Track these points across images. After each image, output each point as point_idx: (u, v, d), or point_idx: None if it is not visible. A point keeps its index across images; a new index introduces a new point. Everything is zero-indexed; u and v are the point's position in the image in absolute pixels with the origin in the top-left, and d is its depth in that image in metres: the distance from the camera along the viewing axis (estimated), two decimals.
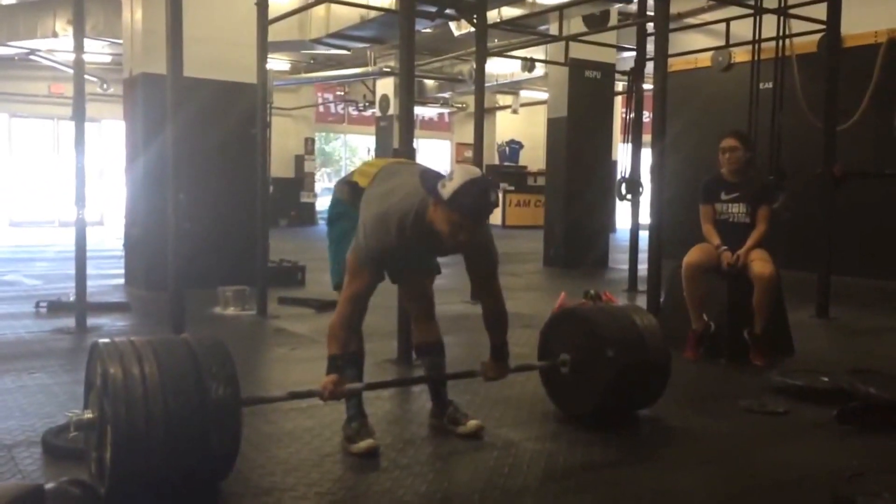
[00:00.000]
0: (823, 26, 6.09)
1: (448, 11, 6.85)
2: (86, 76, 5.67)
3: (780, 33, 6.61)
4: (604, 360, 3.05)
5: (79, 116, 5.08)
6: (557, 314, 3.38)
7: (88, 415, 2.34)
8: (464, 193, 2.44)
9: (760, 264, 4.24)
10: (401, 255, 2.70)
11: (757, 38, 6.66)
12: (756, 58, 6.72)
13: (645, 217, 5.65)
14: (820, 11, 6.07)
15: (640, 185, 7.42)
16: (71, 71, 5.56)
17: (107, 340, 2.37)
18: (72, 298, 5.38)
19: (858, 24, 7.30)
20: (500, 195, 17.83)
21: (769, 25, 6.65)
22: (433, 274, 3.07)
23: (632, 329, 3.18)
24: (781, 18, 6.59)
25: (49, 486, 2.22)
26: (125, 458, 2.17)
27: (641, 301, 4.75)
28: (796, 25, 6.67)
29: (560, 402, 3.32)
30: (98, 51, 12.59)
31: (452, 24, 9.77)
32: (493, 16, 8.21)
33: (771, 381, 3.72)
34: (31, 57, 13.90)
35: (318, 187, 19.58)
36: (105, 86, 15.14)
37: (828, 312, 5.85)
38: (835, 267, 5.98)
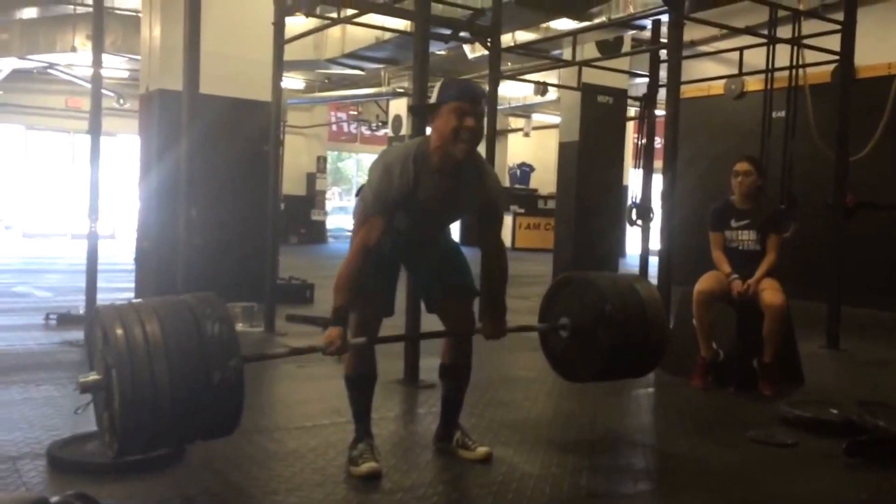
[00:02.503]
0: (837, 57, 6.10)
1: (462, 34, 6.89)
2: (103, 91, 5.73)
3: (794, 63, 6.62)
4: (603, 323, 3.04)
5: (95, 130, 5.13)
6: (559, 280, 3.38)
7: (94, 376, 2.36)
8: (447, 86, 2.65)
9: (771, 294, 4.22)
10: (417, 219, 2.70)
11: (770, 67, 6.67)
12: (769, 87, 6.73)
13: (655, 243, 5.65)
14: (833, 42, 6.09)
15: (650, 210, 7.42)
16: (88, 85, 5.62)
17: (107, 304, 2.41)
18: (81, 311, 5.40)
19: (872, 56, 7.31)
20: (511, 218, 17.88)
21: (782, 55, 6.67)
22: (471, 295, 2.97)
23: (631, 292, 3.17)
24: (795, 48, 6.61)
25: (54, 499, 2.22)
26: (133, 414, 2.20)
27: None
28: (810, 56, 6.69)
29: (561, 369, 3.31)
30: (116, 66, 12.73)
31: (467, 47, 9.84)
32: (507, 39, 8.26)
33: (780, 411, 3.69)
34: (50, 71, 14.06)
35: (328, 205, 19.65)
36: (121, 101, 15.29)
37: (838, 343, 5.80)
38: (845, 298, 5.94)
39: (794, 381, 4.51)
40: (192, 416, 2.28)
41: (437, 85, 2.70)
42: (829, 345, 5.79)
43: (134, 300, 2.43)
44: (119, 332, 2.24)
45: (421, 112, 2.72)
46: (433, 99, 2.68)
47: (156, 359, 2.22)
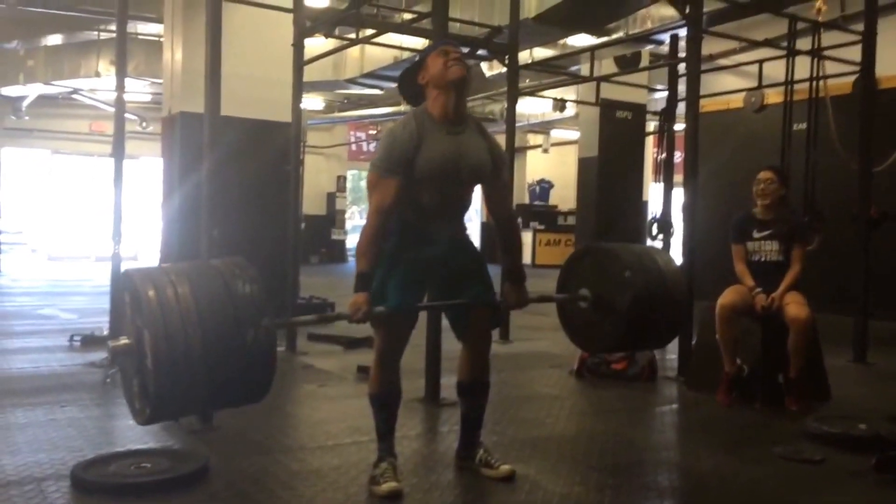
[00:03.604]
0: (858, 68, 6.05)
1: (480, 52, 6.92)
2: (126, 115, 5.81)
3: (814, 75, 6.58)
4: (623, 292, 3.04)
5: (118, 154, 5.21)
6: (577, 251, 3.39)
7: (125, 340, 2.35)
8: (427, 48, 2.92)
9: (796, 307, 4.17)
10: (436, 186, 2.73)
11: (790, 79, 6.63)
12: (789, 99, 6.68)
13: (676, 258, 5.60)
14: (854, 53, 6.04)
15: (671, 225, 7.36)
16: (112, 110, 5.70)
17: (138, 268, 2.43)
18: (105, 332, 5.45)
19: (894, 66, 7.23)
20: (531, 234, 17.82)
21: (803, 67, 6.62)
22: (493, 311, 2.96)
23: (651, 261, 3.20)
24: (815, 60, 6.57)
25: None
26: (166, 373, 2.19)
27: (673, 343, 4.70)
28: (830, 67, 6.63)
29: (580, 340, 3.32)
30: (139, 90, 12.92)
31: (484, 64, 9.88)
32: (524, 56, 8.30)
33: (807, 427, 3.63)
34: (74, 96, 14.30)
35: (349, 224, 19.72)
36: (144, 124, 15.50)
37: (865, 357, 5.72)
38: (872, 310, 5.85)
39: (821, 397, 4.44)
40: (224, 375, 2.25)
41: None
42: (857, 359, 5.71)
43: (163, 265, 2.42)
44: (151, 293, 2.24)
45: (410, 87, 2.84)
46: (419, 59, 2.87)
47: (187, 317, 2.21)
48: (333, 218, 18.82)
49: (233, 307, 2.30)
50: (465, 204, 2.92)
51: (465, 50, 6.70)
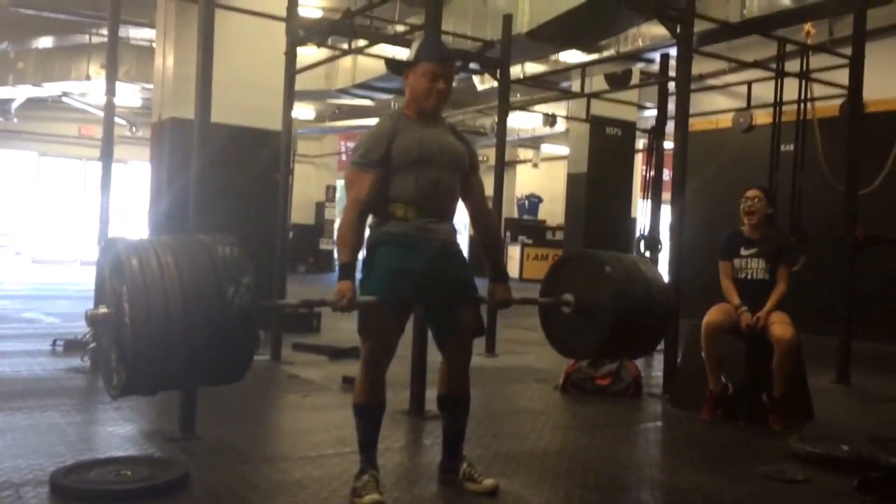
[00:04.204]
0: (845, 91, 6.12)
1: (472, 66, 6.95)
2: (115, 119, 5.79)
3: (802, 97, 6.65)
4: (605, 295, 3.05)
5: (106, 158, 5.19)
6: (561, 258, 3.39)
7: (104, 309, 2.33)
8: (422, 47, 2.89)
9: (781, 327, 4.19)
10: (418, 178, 2.76)
11: (778, 101, 6.69)
12: (777, 120, 6.75)
13: (663, 275, 5.62)
14: (842, 76, 6.11)
15: (659, 242, 7.40)
16: (101, 114, 5.68)
17: (123, 237, 2.46)
18: (88, 337, 5.40)
19: (881, 90, 7.31)
20: (519, 248, 17.85)
21: (791, 89, 6.69)
22: (477, 318, 2.93)
23: (635, 268, 3.23)
24: (803, 82, 6.64)
25: None
26: (144, 333, 2.17)
27: (659, 360, 4.73)
28: (818, 90, 6.71)
29: (560, 345, 3.33)
30: (129, 95, 12.88)
31: (476, 78, 9.92)
32: (516, 71, 8.33)
33: (790, 446, 3.64)
34: (64, 99, 14.24)
35: (336, 234, 19.69)
36: (134, 129, 15.45)
37: (849, 378, 5.75)
38: (856, 332, 5.89)
39: (805, 416, 4.46)
40: (203, 337, 2.24)
41: (414, 44, 2.96)
42: (840, 380, 5.74)
43: (149, 237, 2.43)
44: (133, 259, 2.25)
45: (398, 68, 2.92)
46: (410, 56, 2.90)
47: (167, 276, 2.22)
48: (322, 227, 18.79)
49: (213, 266, 2.33)
50: (451, 194, 2.89)
51: (457, 64, 6.74)
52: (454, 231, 2.94)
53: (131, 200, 15.74)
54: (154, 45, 7.91)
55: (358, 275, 2.78)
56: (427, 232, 2.81)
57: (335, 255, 18.98)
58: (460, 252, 2.96)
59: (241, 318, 2.31)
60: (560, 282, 3.28)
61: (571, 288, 3.19)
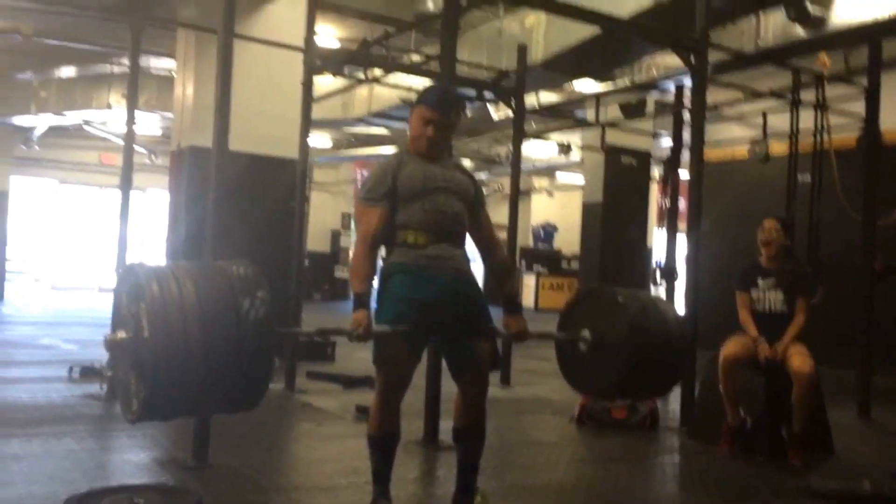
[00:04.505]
0: (862, 121, 6.10)
1: (487, 95, 7.00)
2: (135, 147, 5.87)
3: (818, 127, 6.63)
4: (623, 335, 3.01)
5: (126, 186, 5.25)
6: (579, 292, 3.35)
7: (122, 334, 2.35)
8: (426, 91, 2.98)
9: (799, 360, 4.14)
10: (424, 208, 2.79)
11: (794, 131, 6.68)
12: (794, 150, 6.73)
13: (679, 305, 5.59)
14: (858, 107, 6.09)
15: (674, 272, 7.37)
16: (122, 142, 5.75)
17: (141, 263, 2.48)
18: (104, 364, 5.42)
19: None
20: (534, 278, 17.80)
21: (807, 119, 6.68)
22: (493, 351, 2.92)
23: (652, 305, 3.19)
24: (819, 112, 6.63)
25: None
26: (163, 368, 2.19)
27: (676, 392, 4.68)
28: (835, 119, 6.69)
29: (575, 380, 3.28)
30: (149, 123, 13.05)
31: (491, 107, 9.98)
32: (531, 100, 8.38)
33: (810, 482, 3.57)
34: (85, 127, 14.44)
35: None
36: (153, 157, 15.62)
37: (869, 412, 5.65)
38: (876, 365, 5.81)
39: (824, 451, 4.39)
40: (221, 359, 2.26)
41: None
42: (860, 414, 5.65)
43: (169, 263, 2.48)
44: (154, 284, 2.30)
45: (409, 106, 3.03)
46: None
47: (186, 300, 2.27)
48: (337, 255, 18.85)
49: (228, 283, 2.38)
50: (458, 221, 2.89)
51: (472, 93, 6.79)
52: (467, 259, 2.93)
53: (149, 228, 15.89)
54: (174, 74, 8.03)
55: (373, 304, 2.78)
56: (439, 260, 2.80)
57: (350, 283, 19.10)
58: (474, 281, 2.95)
59: (257, 332, 2.33)
60: (577, 318, 3.25)
61: (588, 324, 3.16)
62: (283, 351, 5.88)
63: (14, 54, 11.01)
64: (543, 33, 7.18)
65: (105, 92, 11.55)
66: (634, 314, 3.06)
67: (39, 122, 13.37)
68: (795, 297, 4.37)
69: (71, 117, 12.92)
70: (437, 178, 2.85)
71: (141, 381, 2.26)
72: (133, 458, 3.67)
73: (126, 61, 7.67)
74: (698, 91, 5.07)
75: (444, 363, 3.11)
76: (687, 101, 6.83)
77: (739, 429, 4.28)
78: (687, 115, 6.69)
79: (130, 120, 5.52)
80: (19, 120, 13.18)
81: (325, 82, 7.33)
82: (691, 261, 5.05)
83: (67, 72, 11.83)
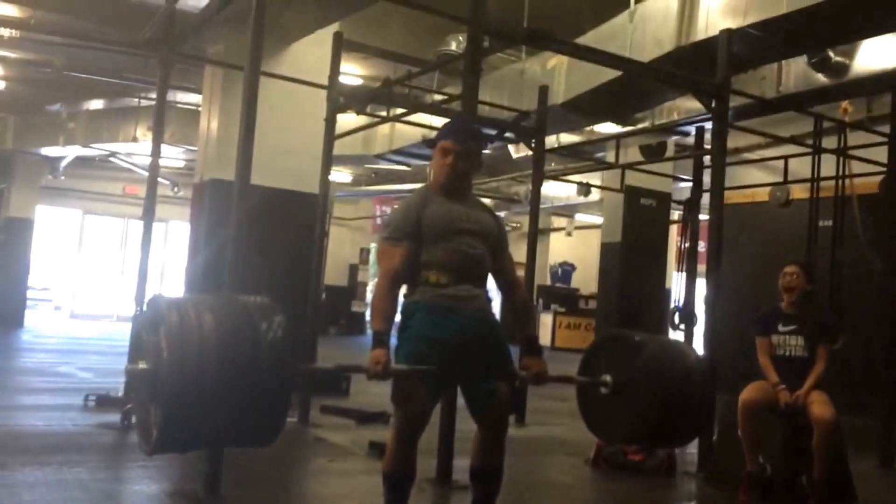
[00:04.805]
0: (884, 168, 6.07)
1: (508, 135, 7.04)
2: (159, 179, 5.95)
3: (839, 173, 6.60)
4: (645, 385, 2.95)
5: (148, 217, 5.31)
6: (601, 338, 3.31)
7: (143, 365, 2.36)
8: (444, 127, 3.06)
9: (820, 407, 4.07)
10: (447, 248, 2.79)
11: (816, 176, 6.65)
12: (815, 195, 6.69)
13: (699, 349, 5.53)
14: (881, 153, 6.07)
15: (694, 315, 7.29)
16: (146, 174, 5.83)
17: (165, 295, 2.53)
18: (120, 394, 5.44)
19: None
20: (552, 317, 17.71)
21: (829, 164, 6.65)
22: (511, 392, 2.94)
23: (678, 355, 3.14)
24: (840, 159, 6.60)
25: None
26: (177, 404, 2.21)
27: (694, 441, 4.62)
28: (857, 166, 6.65)
29: (593, 424, 3.24)
30: (173, 156, 13.24)
31: (511, 147, 10.04)
32: (551, 141, 8.41)
33: None
34: (110, 159, 14.67)
35: (369, 297, 19.77)
36: (176, 189, 15.83)
37: (893, 462, 5.53)
38: None
39: (847, 501, 4.28)
40: (232, 428, 2.27)
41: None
42: (883, 463, 5.52)
43: (190, 295, 2.55)
44: (173, 316, 2.33)
45: (429, 144, 3.07)
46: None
47: (205, 329, 2.30)
48: (355, 289, 18.88)
49: (246, 310, 2.44)
50: (481, 262, 2.89)
51: (492, 132, 6.84)
52: (488, 300, 2.93)
53: (170, 258, 16.03)
54: (199, 108, 8.16)
55: (393, 341, 2.77)
56: (461, 301, 2.80)
57: (367, 317, 19.11)
58: (496, 322, 2.95)
59: (275, 356, 2.36)
60: (598, 362, 3.22)
61: (610, 369, 3.13)
62: (298, 385, 5.86)
63: (45, 86, 11.27)
64: (566, 75, 7.24)
65: (132, 125, 11.75)
66: (655, 357, 3.03)
67: (67, 152, 13.61)
68: (816, 344, 4.32)
69: (98, 149, 13.14)
70: (462, 219, 2.86)
71: (159, 412, 2.27)
72: (144, 489, 3.66)
73: (153, 95, 7.82)
74: (719, 136, 5.07)
75: (459, 401, 3.09)
76: (707, 144, 6.83)
77: (759, 476, 4.20)
78: (707, 159, 6.69)
79: (156, 153, 5.60)
80: (47, 151, 13.43)
81: (347, 119, 7.41)
82: (710, 304, 5.01)
83: (96, 104, 12.08)
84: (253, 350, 2.32)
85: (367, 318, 19.18)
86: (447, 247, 2.81)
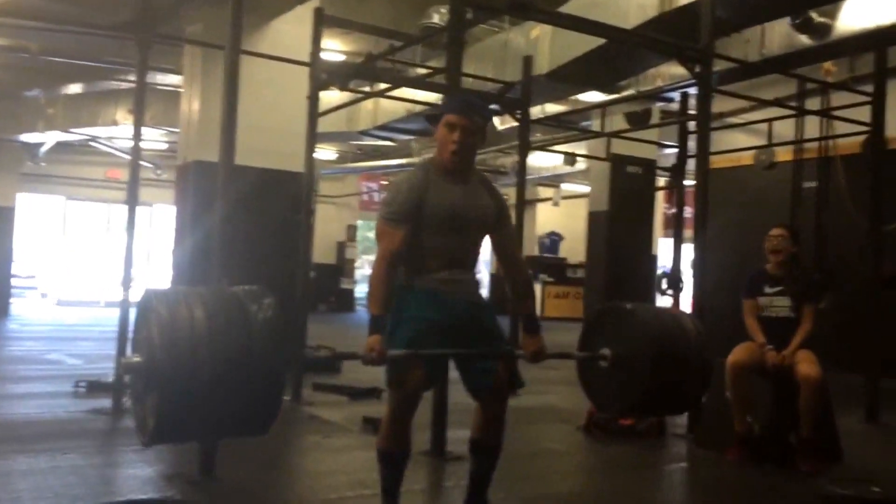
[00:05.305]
0: (867, 128, 6.09)
1: (492, 107, 7.01)
2: (141, 162, 5.89)
3: (823, 134, 6.63)
4: (644, 355, 2.98)
5: (132, 201, 5.26)
6: (598, 310, 3.33)
7: (136, 358, 2.38)
8: (446, 100, 3.10)
9: (807, 366, 4.12)
10: (444, 232, 2.76)
11: (800, 138, 6.68)
12: (799, 157, 6.73)
13: (686, 312, 5.57)
14: (863, 113, 6.09)
15: (680, 280, 7.35)
16: (128, 157, 5.78)
17: (156, 288, 2.52)
18: (110, 379, 5.43)
19: None
20: (540, 287, 17.78)
21: (812, 126, 6.68)
22: (512, 374, 2.95)
23: (675, 324, 3.16)
24: (824, 120, 6.62)
25: None
26: (171, 396, 2.23)
27: None
28: (840, 126, 6.68)
29: (596, 398, 3.26)
30: (155, 138, 13.11)
31: (497, 119, 10.00)
32: (536, 111, 8.39)
33: (820, 489, 3.55)
34: (91, 143, 14.51)
35: (358, 274, 19.78)
36: (159, 171, 15.69)
37: (877, 417, 5.62)
38: (885, 370, 5.77)
39: (834, 457, 4.35)
40: (227, 419, 2.29)
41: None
42: (868, 419, 5.61)
43: (182, 287, 2.57)
44: (163, 308, 2.35)
45: (431, 121, 2.90)
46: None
47: (197, 322, 2.31)
48: (343, 267, 18.88)
49: (235, 297, 2.45)
50: (475, 252, 2.92)
51: (494, 107, 6.79)
52: (478, 283, 2.97)
53: (155, 242, 15.95)
54: (179, 90, 8.07)
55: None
56: (454, 284, 2.81)
57: (356, 294, 19.14)
58: (488, 306, 2.98)
59: (267, 336, 2.36)
60: (597, 336, 3.23)
61: (609, 340, 3.14)
62: (291, 363, 5.87)
63: (22, 72, 11.09)
64: (549, 45, 7.19)
65: (112, 108, 11.62)
66: (655, 328, 3.03)
67: (46, 138, 13.45)
68: (802, 304, 4.37)
69: (78, 133, 12.99)
70: (461, 208, 2.82)
71: (154, 403, 2.28)
72: (139, 472, 3.67)
73: (132, 77, 7.71)
74: (703, 100, 5.07)
75: (452, 374, 3.11)
76: (692, 110, 6.83)
77: (747, 436, 4.26)
78: (692, 124, 6.69)
79: (137, 136, 5.54)
80: (27, 137, 13.26)
81: (330, 96, 7.36)
82: (697, 268, 5.04)
83: (74, 88, 11.91)
84: (245, 337, 2.32)
85: (359, 300, 19.22)
86: (444, 235, 2.79)
